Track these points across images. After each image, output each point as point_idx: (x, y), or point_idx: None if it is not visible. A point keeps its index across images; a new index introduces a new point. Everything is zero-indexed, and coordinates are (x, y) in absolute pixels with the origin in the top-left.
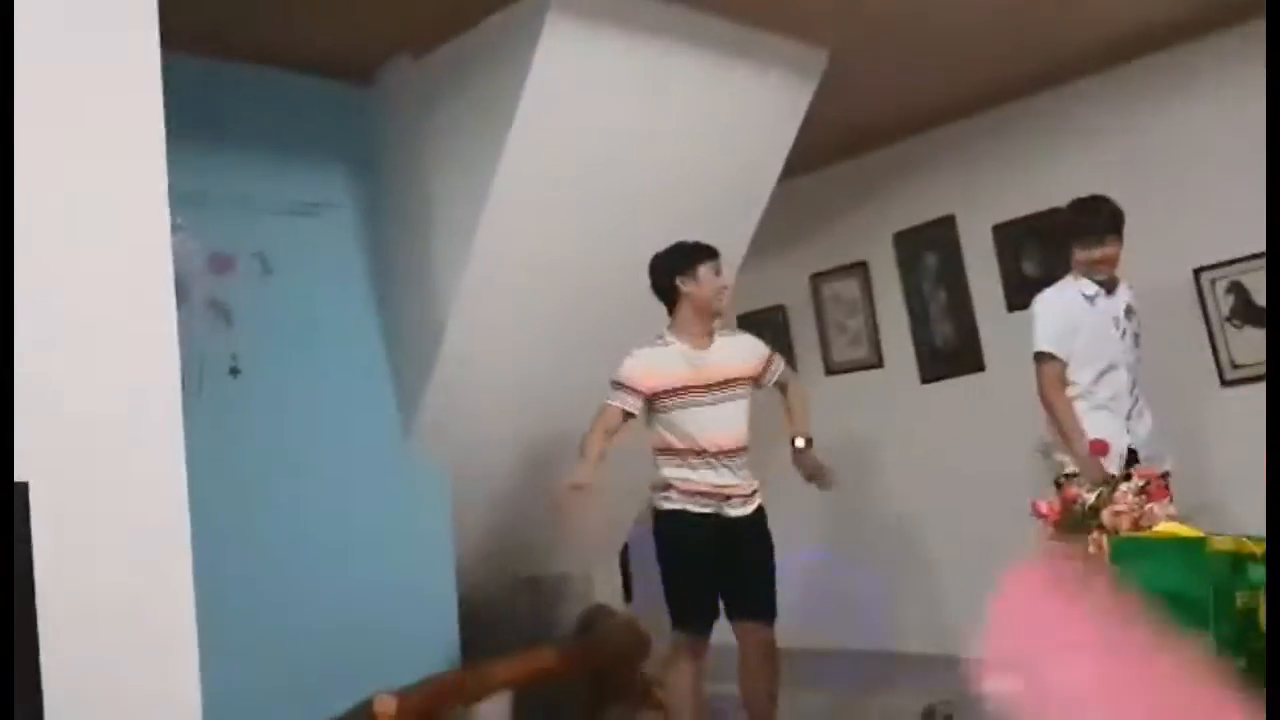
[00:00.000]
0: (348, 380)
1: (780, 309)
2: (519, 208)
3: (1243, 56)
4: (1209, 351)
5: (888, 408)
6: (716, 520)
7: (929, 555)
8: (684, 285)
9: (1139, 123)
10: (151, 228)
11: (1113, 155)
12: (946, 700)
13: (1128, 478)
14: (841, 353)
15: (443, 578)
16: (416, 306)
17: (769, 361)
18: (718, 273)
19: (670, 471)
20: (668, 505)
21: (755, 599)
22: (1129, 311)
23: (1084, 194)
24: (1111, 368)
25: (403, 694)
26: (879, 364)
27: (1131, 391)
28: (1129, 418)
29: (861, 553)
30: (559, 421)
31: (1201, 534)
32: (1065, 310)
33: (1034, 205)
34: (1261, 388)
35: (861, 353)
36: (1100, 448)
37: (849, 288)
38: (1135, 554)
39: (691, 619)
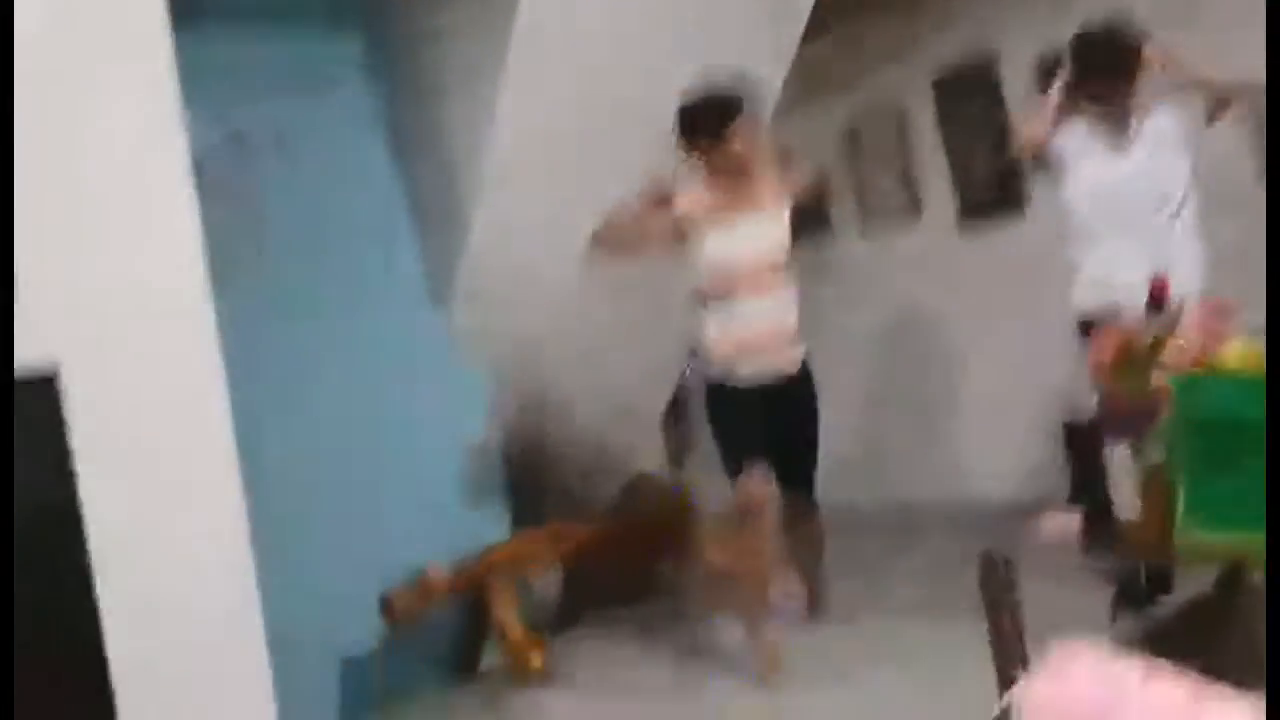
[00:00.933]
0: (374, 256)
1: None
2: (539, 71)
3: None
4: (1264, 177)
5: (927, 259)
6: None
7: (974, 403)
8: (706, 150)
9: None
10: (162, 106)
11: None
12: (1001, 547)
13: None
14: (879, 201)
15: (490, 450)
16: (441, 179)
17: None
18: (735, 135)
19: (700, 323)
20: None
21: (788, 468)
22: (1150, 135)
23: (1139, 12)
24: (1122, 197)
25: (456, 565)
26: (917, 212)
27: (1159, 214)
28: (1153, 241)
29: (906, 403)
30: (595, 287)
31: (1262, 357)
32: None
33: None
34: None
35: (900, 201)
36: (1160, 286)
37: (886, 135)
38: (1197, 387)
39: (732, 464)
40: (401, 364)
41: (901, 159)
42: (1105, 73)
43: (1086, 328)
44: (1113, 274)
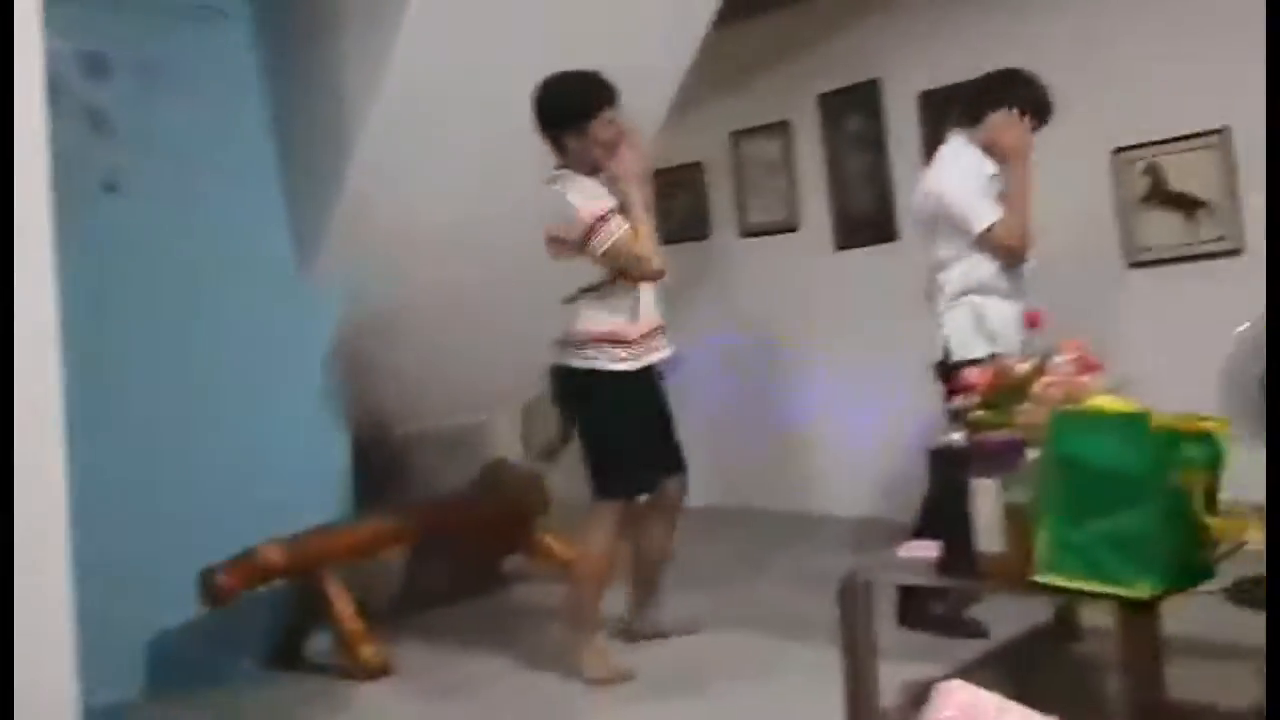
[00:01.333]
0: (238, 206)
1: (697, 166)
2: (437, 36)
3: None
4: (1118, 233)
5: (802, 272)
6: (643, 373)
7: (833, 418)
8: (571, 141)
9: None
10: (22, 24)
11: (1043, 27)
12: (866, 567)
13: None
14: (758, 214)
15: (336, 424)
16: (319, 132)
17: None
18: (613, 121)
19: (591, 314)
20: (602, 365)
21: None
22: None
23: (1014, 65)
24: None
25: (290, 544)
26: (795, 228)
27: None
28: (1022, 289)
29: (768, 411)
30: (467, 268)
31: (1143, 410)
32: (979, 180)
33: (962, 75)
34: (1165, 271)
35: (779, 215)
36: (1034, 318)
37: (770, 148)
38: (1075, 428)
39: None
40: (248, 328)
41: (784, 170)
42: (1042, 115)
43: (952, 369)
44: (992, 319)
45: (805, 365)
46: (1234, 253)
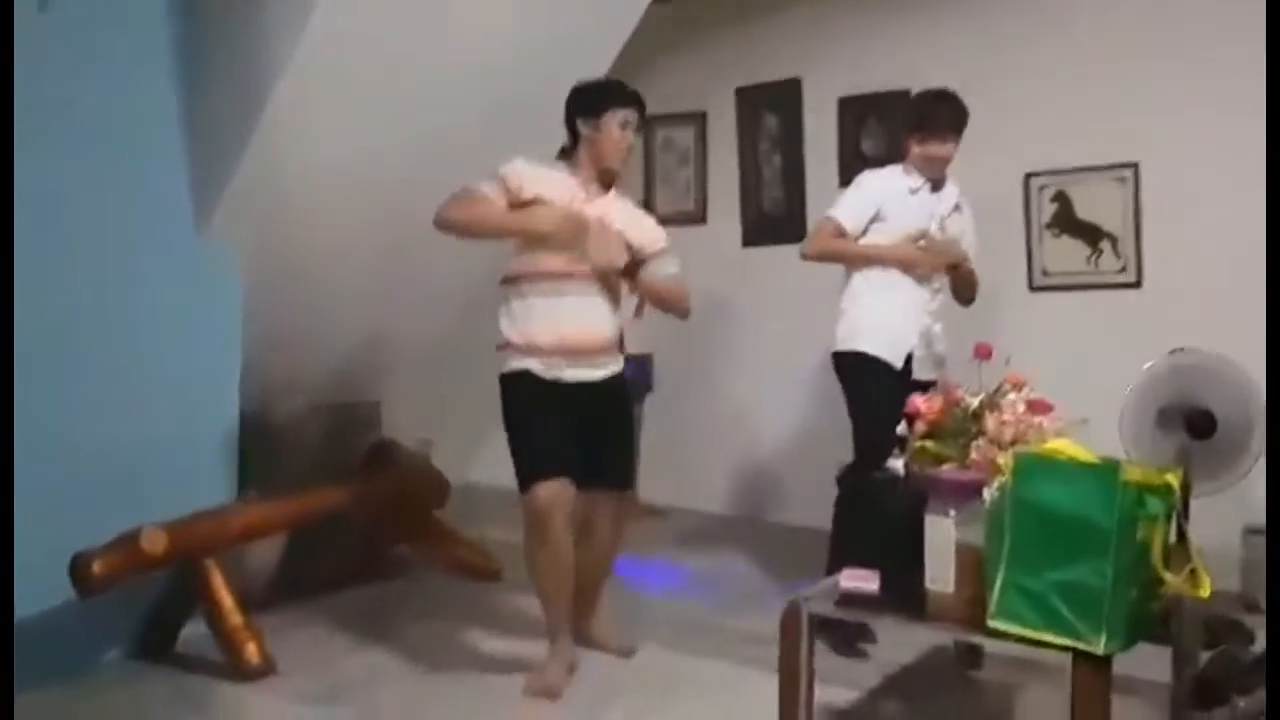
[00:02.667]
0: (133, 150)
1: None
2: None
3: None
4: (1024, 256)
5: (706, 266)
6: (560, 388)
7: (731, 414)
8: (582, 128)
9: (996, 15)
10: None
11: (965, 45)
12: (809, 597)
13: (1017, 387)
14: (665, 203)
15: (225, 398)
16: (230, 80)
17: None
18: (625, 126)
19: (513, 311)
20: (510, 366)
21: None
22: (955, 210)
23: (933, 82)
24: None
25: (174, 529)
26: (702, 220)
27: (936, 292)
28: (929, 316)
29: (671, 409)
30: (377, 238)
31: (1114, 460)
32: (878, 197)
33: (882, 83)
34: (1065, 297)
35: (686, 206)
36: (984, 349)
37: (683, 136)
38: (1041, 473)
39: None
40: (137, 288)
41: (694, 165)
42: (948, 132)
43: (859, 370)
44: (897, 324)
45: (710, 360)
46: (1133, 285)
